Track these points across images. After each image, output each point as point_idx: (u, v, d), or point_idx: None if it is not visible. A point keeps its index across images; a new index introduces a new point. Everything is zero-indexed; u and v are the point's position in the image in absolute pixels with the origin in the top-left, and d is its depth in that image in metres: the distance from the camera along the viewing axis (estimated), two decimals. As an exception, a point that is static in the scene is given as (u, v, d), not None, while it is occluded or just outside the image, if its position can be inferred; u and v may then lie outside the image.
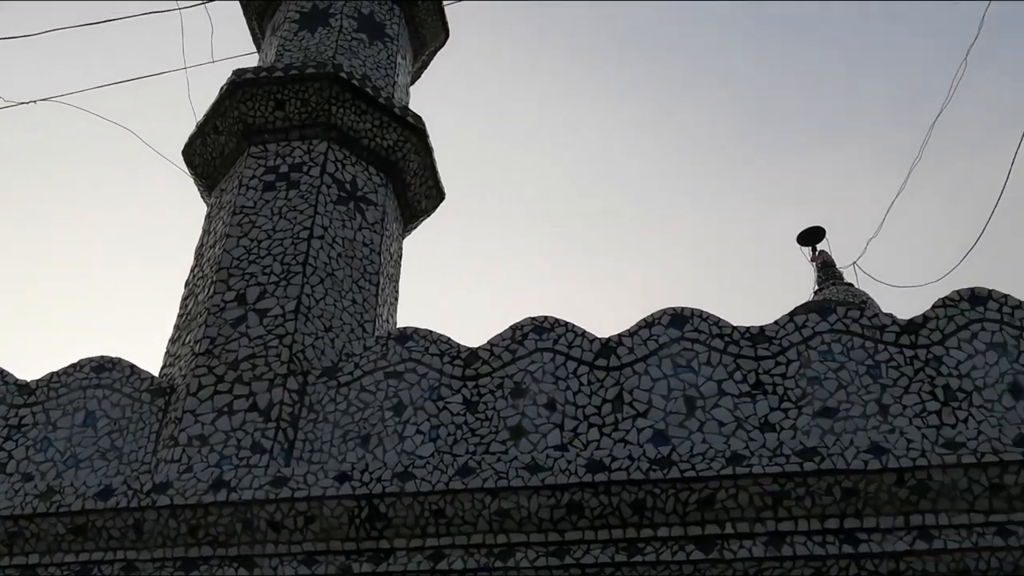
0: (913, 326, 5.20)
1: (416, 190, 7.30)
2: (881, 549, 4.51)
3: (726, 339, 5.28)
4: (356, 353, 5.68)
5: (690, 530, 4.69)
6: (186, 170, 7.38)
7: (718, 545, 4.62)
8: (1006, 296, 5.23)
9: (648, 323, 5.41)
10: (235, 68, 7.04)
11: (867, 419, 4.90)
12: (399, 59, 7.99)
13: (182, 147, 7.29)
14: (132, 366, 5.86)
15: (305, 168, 6.59)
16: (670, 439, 4.96)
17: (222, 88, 7.02)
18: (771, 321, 5.35)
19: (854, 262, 14.78)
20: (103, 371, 5.84)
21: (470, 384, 5.40)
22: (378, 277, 6.47)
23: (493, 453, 5.08)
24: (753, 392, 5.09)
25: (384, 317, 6.55)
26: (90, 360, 5.89)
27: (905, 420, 4.87)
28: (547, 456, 4.93)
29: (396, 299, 6.96)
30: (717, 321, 5.36)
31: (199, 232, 6.93)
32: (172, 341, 6.28)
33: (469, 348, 5.55)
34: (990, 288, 5.26)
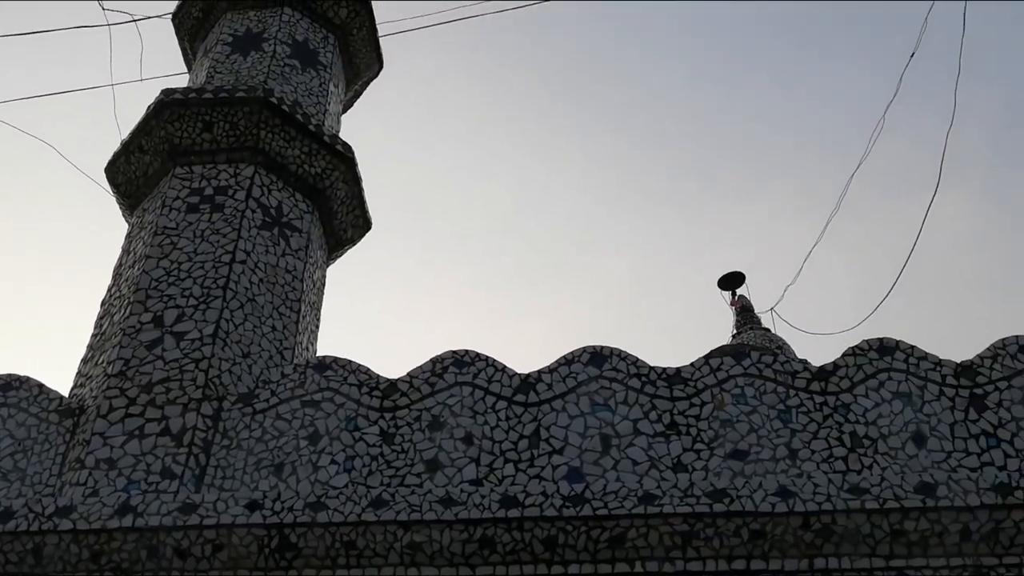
0: (823, 373, 5.34)
1: (343, 219, 7.29)
2: (785, 591, 4.60)
3: (643, 379, 5.36)
4: (273, 380, 5.63)
5: (601, 568, 4.73)
6: (108, 188, 7.25)
7: (627, 583, 4.66)
8: (912, 347, 5.40)
9: (568, 360, 5.46)
10: (164, 87, 6.97)
11: (776, 462, 5.01)
12: (332, 87, 7.99)
13: (105, 164, 7.18)
14: (40, 385, 5.73)
15: (230, 191, 6.54)
16: (584, 476, 5.00)
17: (149, 107, 6.95)
18: (688, 363, 5.45)
19: (772, 308, 15.09)
20: (9, 389, 5.69)
21: (387, 415, 5.38)
22: (299, 304, 6.43)
23: (408, 486, 5.07)
24: (667, 432, 5.16)
25: (304, 345, 6.50)
26: (-4, 377, 5.74)
27: (813, 465, 4.99)
28: (461, 490, 4.93)
29: (317, 327, 6.91)
30: (635, 361, 5.43)
31: (118, 251, 6.82)
32: (85, 361, 6.15)
33: (388, 379, 5.54)
34: (898, 339, 5.44)
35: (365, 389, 5.49)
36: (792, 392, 5.26)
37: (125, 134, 7.10)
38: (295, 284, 6.46)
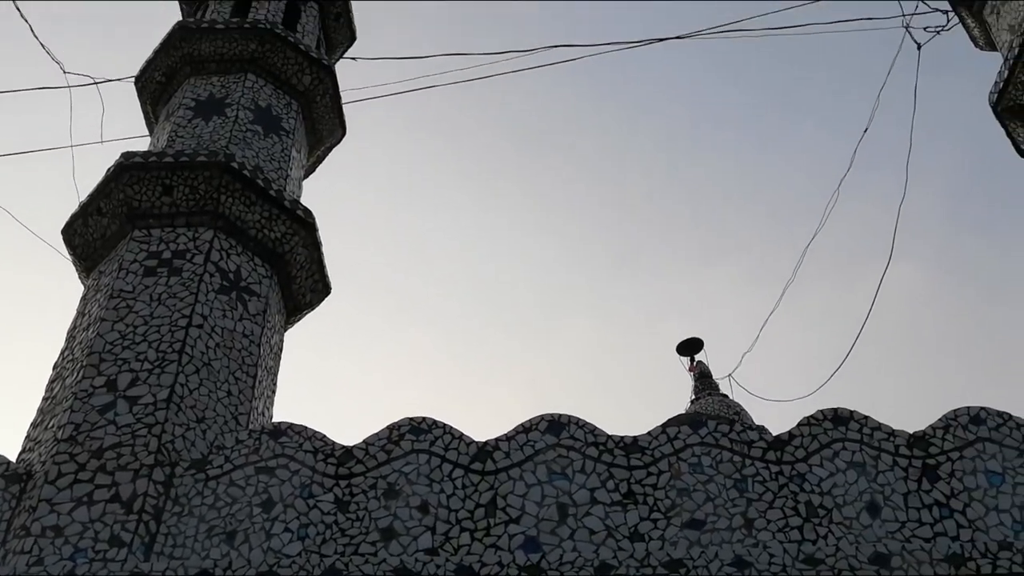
0: (779, 442, 5.38)
1: (302, 283, 7.27)
2: (742, 663, 4.57)
3: (600, 447, 5.36)
4: (228, 446, 5.55)
5: (556, 640, 4.67)
6: (64, 250, 7.19)
7: (583, 656, 4.61)
8: (866, 417, 5.46)
9: (525, 428, 5.46)
10: (124, 151, 6.96)
11: (732, 532, 5.01)
12: (294, 152, 8.03)
13: (62, 226, 7.13)
14: (-13, 450, 5.60)
15: (189, 255, 6.51)
16: (541, 546, 4.97)
17: (109, 169, 6.93)
18: (646, 431, 5.46)
19: (730, 374, 15.18)
20: (-44, 454, 5.56)
21: (343, 483, 5.33)
22: (256, 369, 6.37)
23: (362, 555, 5.00)
24: (624, 501, 5.15)
25: (260, 410, 6.43)
26: (-58, 442, 5.63)
27: (769, 534, 5.00)
28: (417, 559, 4.87)
29: (274, 392, 6.85)
30: (593, 429, 5.44)
31: (72, 314, 6.74)
32: (34, 425, 6.03)
33: (344, 446, 5.49)
34: (852, 409, 5.49)
35: (320, 456, 5.44)
36: (748, 461, 5.29)
37: (84, 196, 7.08)
38: (252, 349, 6.41)
